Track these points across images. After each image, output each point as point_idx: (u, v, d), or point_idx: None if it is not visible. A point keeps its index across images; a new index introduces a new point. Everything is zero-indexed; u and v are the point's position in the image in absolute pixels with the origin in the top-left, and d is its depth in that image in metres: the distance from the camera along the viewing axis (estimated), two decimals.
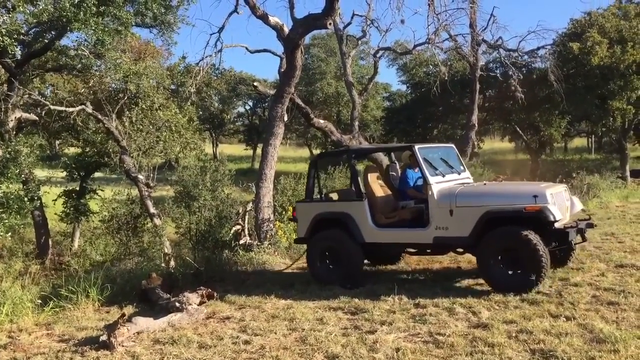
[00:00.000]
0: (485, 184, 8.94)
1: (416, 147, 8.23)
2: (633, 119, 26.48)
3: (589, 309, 6.34)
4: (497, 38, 22.15)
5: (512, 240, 7.17)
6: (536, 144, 32.66)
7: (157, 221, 12.91)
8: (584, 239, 8.02)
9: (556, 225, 7.17)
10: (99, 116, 14.06)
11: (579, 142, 49.70)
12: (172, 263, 9.76)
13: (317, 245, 8.65)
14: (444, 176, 8.23)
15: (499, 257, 7.24)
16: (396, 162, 9.86)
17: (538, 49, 24.23)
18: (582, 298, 6.78)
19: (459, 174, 8.74)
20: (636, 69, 23.69)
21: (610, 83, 23.80)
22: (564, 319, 6.08)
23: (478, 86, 23.68)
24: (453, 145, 9.63)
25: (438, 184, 7.92)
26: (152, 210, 13.16)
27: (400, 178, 9.06)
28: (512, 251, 7.15)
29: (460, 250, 8.14)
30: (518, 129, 32.30)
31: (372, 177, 9.20)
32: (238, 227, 10.61)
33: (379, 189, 9.14)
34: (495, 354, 5.20)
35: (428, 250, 8.44)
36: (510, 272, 7.17)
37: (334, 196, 9.31)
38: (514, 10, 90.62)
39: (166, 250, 10.85)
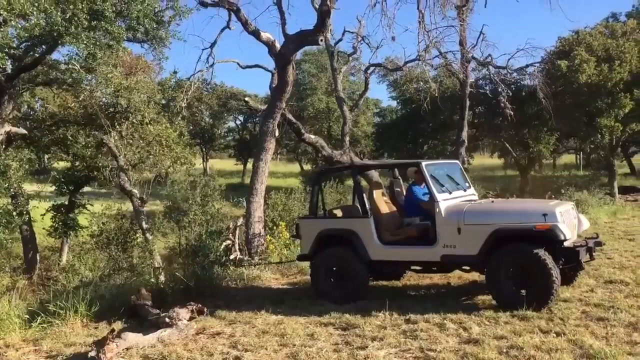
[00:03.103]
0: (492, 201, 8.84)
1: (423, 163, 8.16)
2: (621, 136, 26.76)
3: (579, 325, 6.36)
4: (486, 55, 22.42)
5: (523, 258, 7.11)
6: (525, 161, 32.89)
7: (149, 236, 12.82)
8: (592, 258, 7.83)
9: (565, 243, 7.10)
10: (104, 138, 13.98)
11: (567, 158, 50.08)
12: (162, 278, 9.69)
13: (321, 262, 8.50)
14: (450, 193, 8.13)
15: (509, 276, 7.17)
16: (399, 178, 9.78)
17: (527, 66, 24.57)
18: (571, 314, 6.81)
19: (465, 190, 8.66)
20: (623, 87, 23.98)
21: (598, 100, 24.06)
22: (554, 334, 6.10)
23: (468, 103, 23.89)
24: (458, 162, 9.56)
25: (445, 201, 7.83)
26: (145, 225, 13.07)
27: (407, 195, 8.96)
28: (523, 269, 7.08)
29: (467, 268, 8.05)
30: (507, 145, 32.54)
31: (378, 194, 9.06)
32: (229, 242, 10.57)
33: (385, 205, 9.01)
34: None
35: (434, 268, 8.31)
36: (520, 291, 7.07)
37: (338, 213, 9.17)
38: (503, 28, 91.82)
39: (156, 265, 10.76)
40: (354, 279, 8.21)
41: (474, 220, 7.51)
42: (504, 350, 5.69)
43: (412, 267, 8.57)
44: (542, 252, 6.95)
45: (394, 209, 9.10)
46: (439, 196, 7.79)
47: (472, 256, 7.46)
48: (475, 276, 9.05)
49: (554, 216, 7.11)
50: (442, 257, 7.67)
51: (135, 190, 13.90)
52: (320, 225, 8.72)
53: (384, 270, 9.01)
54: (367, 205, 8.38)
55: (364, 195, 8.54)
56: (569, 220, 7.53)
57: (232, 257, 10.35)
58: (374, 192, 9.02)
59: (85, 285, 8.69)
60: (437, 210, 7.68)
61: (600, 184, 27.52)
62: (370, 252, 8.12)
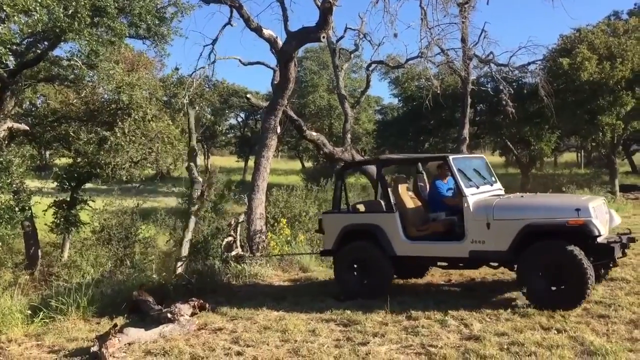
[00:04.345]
0: (522, 196, 8.59)
1: (450, 157, 8.02)
2: (622, 134, 26.75)
3: (580, 322, 6.38)
4: (488, 53, 22.37)
5: (556, 255, 6.91)
6: (526, 158, 32.89)
7: (192, 225, 12.35)
8: (624, 254, 7.60)
9: (599, 239, 6.95)
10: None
11: (568, 156, 50.08)
12: (180, 270, 9.64)
13: (345, 257, 8.38)
14: (478, 187, 7.98)
15: (541, 273, 6.97)
16: (423, 172, 9.62)
17: (528, 64, 24.49)
18: (572, 311, 6.82)
19: (492, 185, 8.49)
20: (625, 85, 23.97)
21: (599, 98, 24.05)
22: (555, 331, 6.12)
23: (469, 100, 23.85)
24: (484, 156, 9.35)
25: (473, 196, 7.67)
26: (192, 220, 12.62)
27: (430, 190, 8.82)
28: (556, 266, 6.88)
29: (495, 264, 7.94)
30: (509, 143, 32.53)
31: (403, 188, 8.90)
32: (230, 238, 10.59)
33: (410, 200, 8.85)
34: None
35: (460, 265, 8.18)
36: (552, 288, 6.91)
37: (361, 207, 9.00)
38: (504, 25, 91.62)
39: (184, 254, 10.58)
40: (379, 274, 8.10)
41: (503, 215, 7.34)
42: (505, 347, 5.71)
43: (438, 263, 8.46)
44: (575, 249, 6.78)
45: (419, 203, 8.95)
46: (467, 191, 7.64)
47: (501, 252, 7.31)
48: (475, 273, 9.08)
49: (587, 211, 6.93)
50: (470, 253, 7.52)
51: (199, 179, 13.78)
52: (344, 220, 8.59)
53: (407, 267, 8.84)
54: (392, 200, 8.24)
55: (389, 190, 8.37)
56: (602, 216, 7.37)
57: (233, 253, 10.36)
58: (399, 186, 8.85)
59: (87, 281, 8.70)
60: (465, 205, 7.53)
61: (601, 182, 27.57)
62: (396, 247, 8.00)
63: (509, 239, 7.19)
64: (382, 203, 8.77)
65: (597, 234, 6.87)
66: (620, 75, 23.64)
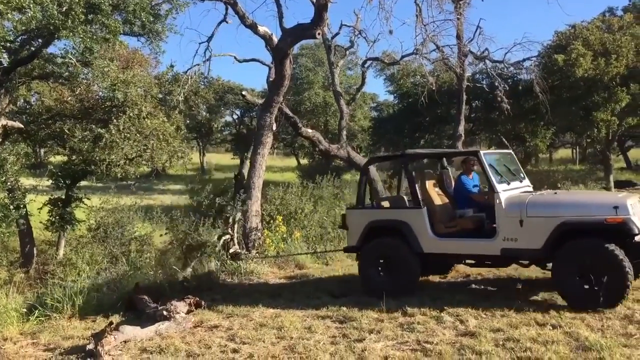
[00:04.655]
0: (555, 192, 8.43)
1: (481, 152, 7.88)
2: (617, 130, 26.82)
3: (575, 318, 6.41)
4: (483, 49, 22.42)
5: (595, 254, 6.71)
6: (522, 155, 32.93)
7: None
8: None
9: (637, 238, 6.73)
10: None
11: (563, 153, 50.17)
12: (189, 270, 9.59)
13: (370, 254, 8.22)
14: (508, 184, 7.82)
15: (578, 272, 6.77)
16: (448, 168, 9.44)
17: (524, 60, 24.59)
18: (567, 306, 6.84)
19: (521, 181, 8.33)
20: (620, 81, 24.02)
21: (594, 95, 24.10)
22: (550, 327, 6.15)
23: (464, 97, 23.89)
24: (512, 151, 9.18)
25: (505, 192, 7.52)
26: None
27: (456, 186, 8.64)
28: (594, 266, 6.68)
29: (526, 262, 7.74)
30: (504, 140, 32.33)
31: (430, 184, 8.72)
32: (227, 236, 10.57)
33: (437, 196, 8.66)
34: None
35: (488, 262, 8.03)
36: (588, 288, 6.70)
37: (385, 203, 8.90)
38: (500, 22, 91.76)
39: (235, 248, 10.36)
40: (406, 271, 7.93)
41: (537, 212, 7.18)
42: (501, 343, 5.73)
43: (465, 261, 8.30)
44: (616, 248, 6.61)
45: (446, 200, 8.76)
46: (499, 187, 7.49)
47: (535, 250, 7.14)
48: (470, 270, 9.10)
49: (625, 209, 6.76)
50: (502, 251, 7.34)
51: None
52: (369, 215, 8.44)
53: (432, 264, 8.58)
54: (419, 196, 8.08)
55: (416, 185, 8.22)
56: (638, 213, 7.12)
57: (231, 251, 10.36)
58: (427, 182, 8.68)
59: (83, 279, 8.69)
60: (497, 201, 7.38)
61: (596, 178, 27.66)
62: (423, 244, 7.84)
63: (543, 237, 7.03)
64: (405, 199, 8.69)
65: (636, 232, 6.69)
66: (615, 71, 23.69)
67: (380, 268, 8.14)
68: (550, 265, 7.42)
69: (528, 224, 7.16)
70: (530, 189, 8.48)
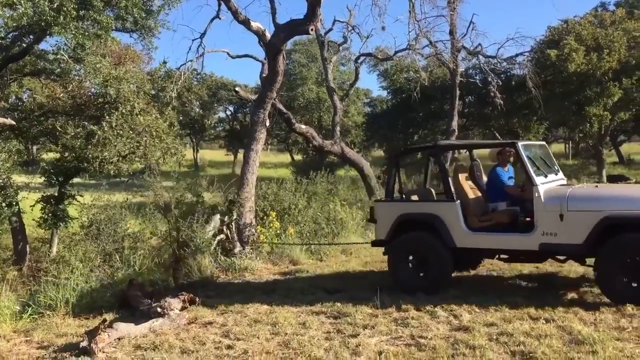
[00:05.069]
0: (596, 185, 8.11)
1: (520, 144, 7.66)
2: (609, 125, 26.93)
3: (568, 312, 6.44)
4: (476, 45, 22.45)
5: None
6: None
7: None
8: None
9: None
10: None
11: (556, 147, 50.35)
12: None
13: (400, 248, 8.02)
14: (546, 176, 7.60)
15: (623, 268, 6.56)
16: (478, 160, 9.16)
17: (516, 55, 24.62)
18: (561, 300, 6.88)
19: (556, 174, 8.10)
20: (612, 76, 24.11)
21: (587, 89, 24.19)
22: (544, 321, 6.17)
23: (458, 92, 23.92)
24: (545, 143, 8.98)
25: (543, 185, 7.30)
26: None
27: (490, 178, 8.33)
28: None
29: (562, 257, 7.60)
30: (497, 135, 32.64)
31: (462, 177, 8.53)
32: (222, 236, 10.52)
33: (470, 189, 8.43)
34: (476, 356, 5.26)
35: (522, 257, 7.83)
36: (636, 285, 6.54)
37: (414, 197, 8.65)
38: (492, 17, 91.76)
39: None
40: (438, 267, 7.73)
41: (579, 206, 6.94)
42: (494, 337, 5.75)
43: (499, 256, 8.07)
44: None
45: (479, 193, 8.53)
46: (538, 179, 7.28)
47: (576, 245, 6.92)
48: None
49: None
50: (540, 246, 7.14)
51: None
52: (399, 209, 8.20)
53: (462, 259, 8.29)
54: (452, 189, 7.87)
55: (449, 178, 8.02)
56: None
57: (236, 250, 10.34)
58: (459, 175, 8.49)
59: (76, 276, 8.66)
60: (536, 195, 7.16)
61: (589, 172, 27.79)
62: (456, 238, 7.62)
63: (584, 232, 6.81)
64: (433, 192, 8.54)
65: None
66: (608, 66, 23.78)
67: (410, 263, 7.96)
68: (589, 260, 7.23)
69: (569, 218, 6.94)
70: (565, 182, 8.29)
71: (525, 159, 7.39)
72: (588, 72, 23.84)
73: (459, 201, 7.77)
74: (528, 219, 7.45)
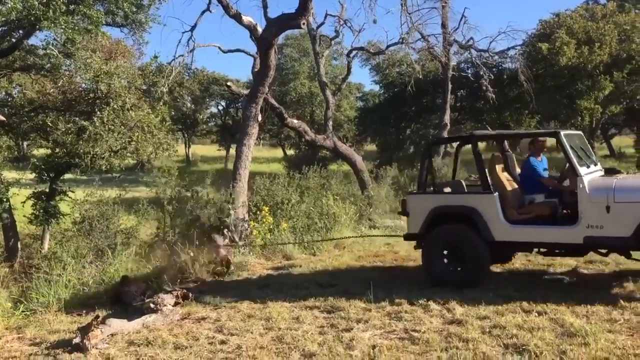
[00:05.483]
0: None
1: (562, 133, 7.34)
2: (600, 118, 27.09)
3: (560, 304, 6.46)
4: (468, 38, 22.52)
5: None
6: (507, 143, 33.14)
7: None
8: None
9: None
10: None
11: (548, 141, 50.48)
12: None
13: (435, 242, 7.73)
14: (588, 167, 7.34)
15: None
16: (510, 151, 8.86)
17: (508, 49, 24.78)
18: (553, 293, 6.91)
19: (595, 164, 7.83)
20: (603, 69, 24.23)
21: (578, 83, 24.32)
22: (536, 314, 6.20)
23: (450, 86, 23.98)
24: (581, 133, 8.70)
25: (587, 176, 7.05)
26: None
27: (525, 169, 8.08)
28: None
29: (604, 251, 7.38)
30: (489, 128, 32.76)
31: (499, 169, 8.23)
32: (227, 240, 10.32)
33: (507, 181, 8.12)
34: (469, 349, 5.27)
35: (562, 251, 7.56)
36: None
37: (447, 189, 8.38)
38: (484, 11, 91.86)
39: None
40: (476, 261, 7.45)
41: (627, 197, 6.70)
42: (487, 330, 5.77)
43: (540, 250, 7.85)
44: None
45: (515, 185, 8.24)
46: (581, 170, 7.05)
47: (623, 238, 6.67)
48: None
49: None
50: (585, 239, 6.89)
51: None
52: (434, 201, 7.92)
53: (497, 253, 7.96)
54: (490, 181, 7.62)
55: (485, 169, 7.76)
56: None
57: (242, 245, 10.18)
58: (496, 166, 8.19)
59: (68, 273, 8.63)
60: (581, 186, 6.91)
61: (556, 165, 27.90)
62: (494, 231, 7.34)
63: (632, 224, 6.56)
64: (464, 183, 8.40)
65: None
66: (599, 59, 23.90)
67: (445, 257, 7.73)
68: (635, 254, 7.09)
69: (616, 210, 6.69)
70: (602, 173, 7.89)
71: (569, 149, 7.15)
72: (579, 65, 23.96)
73: (497, 193, 7.53)
74: (566, 211, 7.28)
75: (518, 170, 8.53)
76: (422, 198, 8.15)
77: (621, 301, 6.41)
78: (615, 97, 25.28)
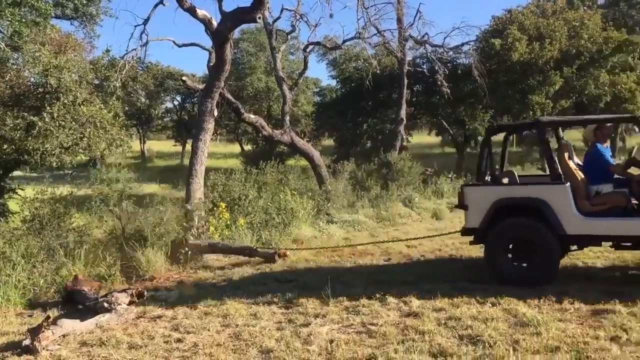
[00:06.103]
0: None
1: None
2: (551, 113, 27.76)
3: (513, 295, 6.60)
4: (423, 34, 22.77)
5: None
6: (462, 138, 33.67)
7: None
8: None
9: None
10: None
11: (501, 135, 51.57)
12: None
13: (500, 237, 7.31)
14: None
15: None
16: (566, 140, 8.34)
17: (462, 45, 25.12)
18: (507, 285, 7.05)
19: None
20: (553, 65, 24.84)
21: (529, 78, 24.86)
22: (490, 305, 6.33)
23: (406, 81, 24.19)
24: None
25: None
26: None
27: (592, 156, 7.61)
28: None
29: None
30: (444, 123, 33.22)
31: (567, 157, 7.78)
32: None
33: (575, 171, 7.65)
34: (425, 341, 5.34)
35: (628, 244, 7.15)
36: None
37: (505, 179, 7.95)
38: (439, 6, 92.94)
39: None
40: (547, 256, 7.05)
41: None
42: (443, 322, 5.86)
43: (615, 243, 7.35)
44: None
45: (582, 175, 7.70)
46: None
47: None
48: (413, 252, 9.25)
49: None
50: None
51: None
52: (497, 193, 7.46)
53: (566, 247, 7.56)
54: (560, 170, 7.21)
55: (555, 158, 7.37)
56: None
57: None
58: (565, 155, 7.74)
59: (18, 273, 8.36)
60: None
61: (532, 159, 28.60)
62: (566, 225, 6.92)
63: None
64: (516, 174, 8.08)
65: None
66: (549, 55, 24.49)
67: (509, 253, 7.36)
68: None
69: None
70: None
71: None
72: (531, 61, 24.50)
73: (568, 184, 7.13)
74: (635, 201, 7.01)
75: (577, 160, 8.13)
76: (482, 190, 7.75)
77: (572, 291, 6.59)
78: (565, 92, 25.94)
